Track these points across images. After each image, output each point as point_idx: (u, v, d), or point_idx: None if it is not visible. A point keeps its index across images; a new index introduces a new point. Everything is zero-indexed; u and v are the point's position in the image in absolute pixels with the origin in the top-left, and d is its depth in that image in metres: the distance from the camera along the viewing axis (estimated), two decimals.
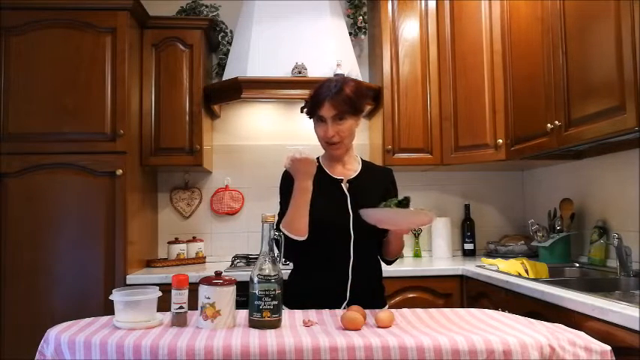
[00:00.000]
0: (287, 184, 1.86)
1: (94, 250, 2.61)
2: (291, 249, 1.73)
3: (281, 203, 1.86)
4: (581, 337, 1.37)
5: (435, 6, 3.17)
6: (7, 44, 2.64)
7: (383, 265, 1.93)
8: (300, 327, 1.44)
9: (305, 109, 1.85)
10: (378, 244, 1.88)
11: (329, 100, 1.75)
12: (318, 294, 1.74)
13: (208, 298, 1.43)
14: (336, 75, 2.89)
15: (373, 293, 1.85)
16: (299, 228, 1.70)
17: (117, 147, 2.66)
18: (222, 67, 3.32)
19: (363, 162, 1.94)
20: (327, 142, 1.81)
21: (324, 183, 1.82)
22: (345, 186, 1.84)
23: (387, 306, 1.87)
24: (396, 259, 1.95)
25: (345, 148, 1.84)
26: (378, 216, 1.60)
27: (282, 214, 1.80)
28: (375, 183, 1.88)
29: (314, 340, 1.30)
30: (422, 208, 1.66)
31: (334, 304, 1.71)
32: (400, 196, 1.68)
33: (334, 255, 1.78)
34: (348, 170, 1.88)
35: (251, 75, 2.96)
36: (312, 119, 1.84)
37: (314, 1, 3.14)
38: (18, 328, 2.53)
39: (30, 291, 2.56)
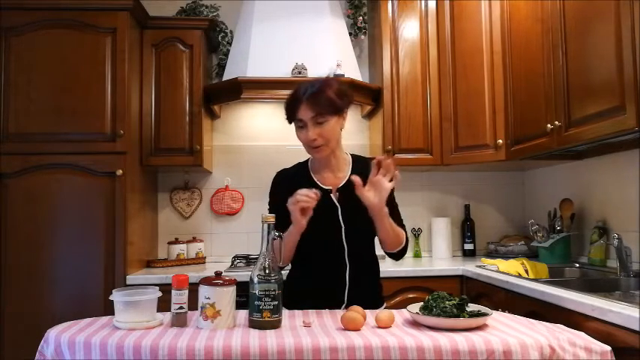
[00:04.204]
0: (276, 188, 1.85)
1: (94, 250, 2.61)
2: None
3: (269, 205, 1.85)
4: (581, 338, 1.37)
5: (435, 6, 3.17)
6: (7, 44, 2.64)
7: (382, 264, 1.92)
8: (300, 327, 1.44)
9: (285, 116, 1.75)
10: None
11: (305, 101, 1.66)
12: (315, 298, 1.72)
13: (208, 298, 1.43)
14: (335, 75, 2.90)
15: (371, 294, 1.84)
16: (282, 258, 1.61)
17: (117, 147, 2.66)
18: (222, 67, 3.32)
19: (353, 159, 1.86)
20: (310, 146, 1.72)
21: None
22: (334, 196, 1.78)
23: (384, 305, 1.87)
24: (402, 251, 1.82)
25: (330, 149, 1.73)
26: (432, 323, 1.43)
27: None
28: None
29: (314, 340, 1.30)
30: (479, 309, 1.49)
31: (332, 308, 1.70)
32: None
33: (330, 266, 1.75)
34: (338, 178, 1.80)
35: (251, 75, 2.96)
36: (292, 124, 1.75)
37: (314, 1, 3.14)
38: (18, 328, 2.53)
39: (30, 291, 2.56)
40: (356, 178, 1.62)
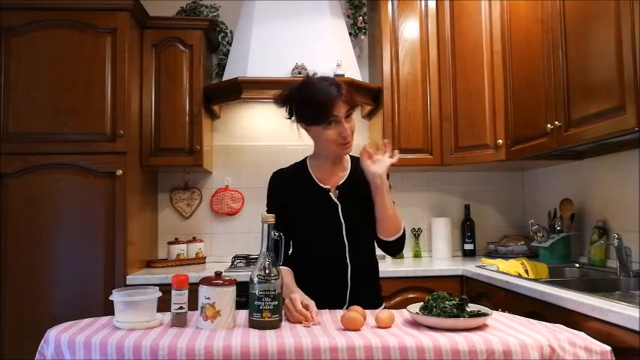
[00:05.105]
0: (274, 189, 1.84)
1: (94, 250, 2.61)
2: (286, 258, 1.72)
3: (267, 206, 1.84)
4: (581, 338, 1.37)
5: (435, 6, 3.17)
6: (7, 44, 2.64)
7: (382, 265, 1.92)
8: (300, 327, 1.44)
9: (303, 119, 1.74)
10: (377, 238, 1.82)
11: (338, 97, 1.67)
12: (317, 298, 1.71)
13: (208, 298, 1.43)
14: (336, 75, 2.90)
15: (371, 295, 1.83)
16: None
17: (117, 147, 2.66)
18: (222, 67, 3.32)
19: (352, 159, 1.86)
20: (342, 144, 1.72)
21: (313, 193, 1.78)
22: (334, 194, 1.78)
23: (383, 305, 1.86)
24: (399, 241, 1.78)
25: (354, 144, 1.76)
26: (432, 323, 1.42)
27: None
28: (366, 182, 1.75)
29: (314, 340, 1.29)
30: (479, 309, 1.49)
31: (333, 308, 1.69)
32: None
33: (331, 265, 1.75)
34: (338, 176, 1.81)
35: (251, 75, 2.96)
36: (315, 126, 1.72)
37: (314, 2, 3.14)
38: (18, 328, 2.53)
39: (30, 291, 2.56)
40: (365, 147, 1.72)
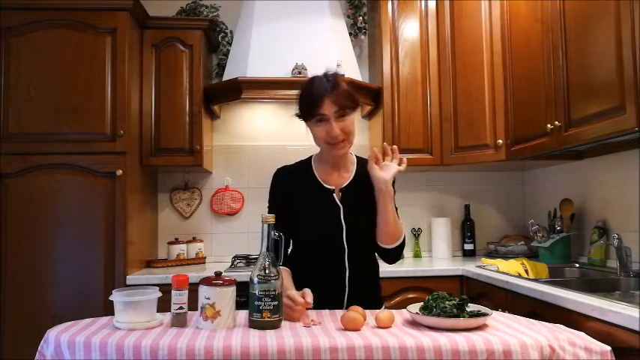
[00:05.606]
0: (276, 186, 1.82)
1: (94, 250, 2.61)
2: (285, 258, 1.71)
3: (269, 203, 1.83)
4: (581, 338, 1.37)
5: (435, 6, 3.17)
6: (7, 44, 2.65)
7: (382, 265, 1.91)
8: (300, 327, 1.44)
9: (299, 113, 1.73)
10: (375, 245, 1.81)
11: (328, 96, 1.64)
12: (315, 299, 1.66)
13: (208, 298, 1.43)
14: None
15: (371, 295, 1.82)
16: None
17: (117, 147, 2.66)
18: (222, 67, 3.32)
19: (358, 160, 1.85)
20: (331, 143, 1.67)
21: (316, 193, 1.76)
22: (337, 196, 1.76)
23: (383, 306, 1.85)
24: (399, 249, 1.77)
25: (350, 145, 1.73)
26: (432, 323, 1.42)
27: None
28: (371, 186, 1.73)
29: (314, 340, 1.30)
30: (479, 309, 1.48)
31: (332, 309, 1.69)
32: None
33: (330, 267, 1.74)
34: (342, 177, 1.79)
35: (251, 75, 2.95)
36: (308, 122, 1.72)
37: (314, 2, 3.14)
38: (18, 328, 2.53)
39: (30, 291, 2.56)
40: (373, 151, 1.72)
